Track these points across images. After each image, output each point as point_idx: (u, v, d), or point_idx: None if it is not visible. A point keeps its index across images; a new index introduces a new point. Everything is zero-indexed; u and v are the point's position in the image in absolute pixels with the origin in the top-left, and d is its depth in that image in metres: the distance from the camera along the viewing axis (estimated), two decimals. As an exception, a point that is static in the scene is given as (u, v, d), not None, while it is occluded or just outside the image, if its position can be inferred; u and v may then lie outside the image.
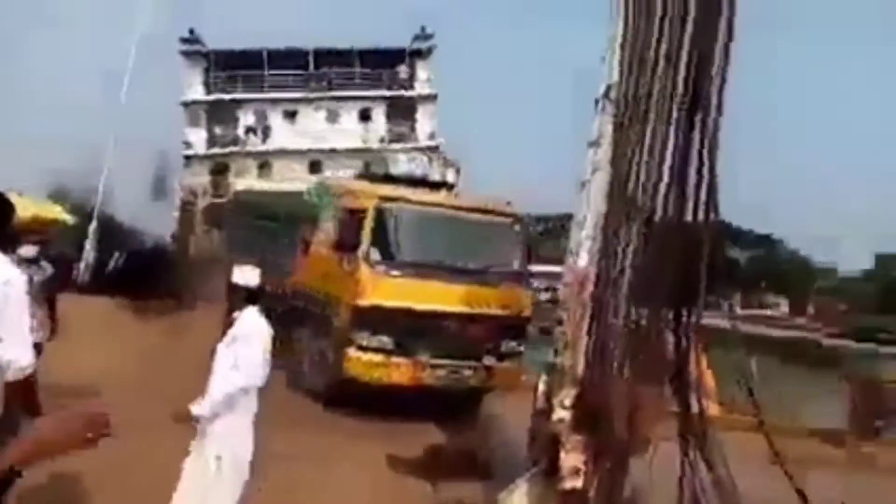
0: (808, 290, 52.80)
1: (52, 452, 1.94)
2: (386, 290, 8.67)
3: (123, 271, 13.41)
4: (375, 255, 8.81)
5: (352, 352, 8.66)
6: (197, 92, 34.73)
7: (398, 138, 35.42)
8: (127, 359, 7.86)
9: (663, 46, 3.68)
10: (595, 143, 4.05)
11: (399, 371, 8.63)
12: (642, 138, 3.72)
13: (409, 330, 8.61)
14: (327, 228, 9.98)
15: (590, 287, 3.88)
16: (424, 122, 36.10)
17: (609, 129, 3.92)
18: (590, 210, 3.98)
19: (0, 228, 3.39)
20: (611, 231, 3.74)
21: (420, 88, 36.17)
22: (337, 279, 9.19)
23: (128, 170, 23.46)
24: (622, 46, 3.76)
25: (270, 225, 12.71)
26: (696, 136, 3.66)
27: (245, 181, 32.85)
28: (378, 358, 8.63)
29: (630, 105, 3.74)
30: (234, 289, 5.03)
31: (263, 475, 4.54)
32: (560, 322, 4.17)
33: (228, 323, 4.98)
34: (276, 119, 34.79)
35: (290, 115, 34.88)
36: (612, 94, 3.89)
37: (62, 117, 33.99)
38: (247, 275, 5.10)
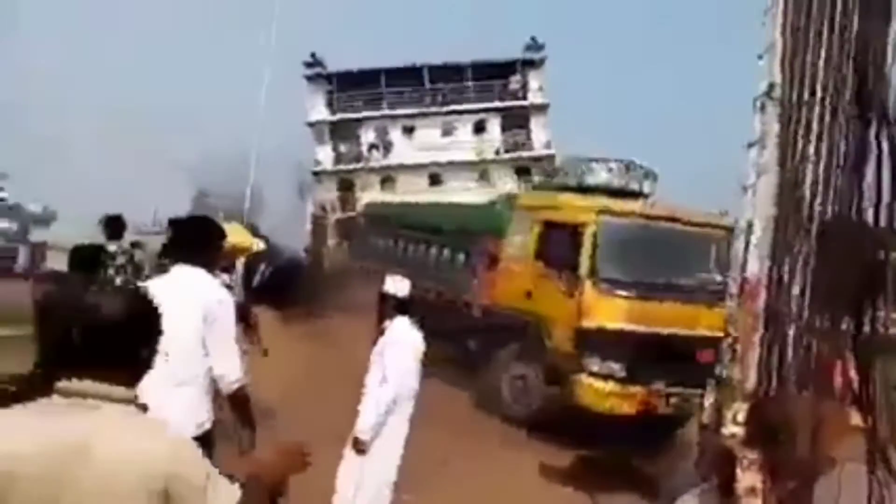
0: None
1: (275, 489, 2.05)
2: (613, 311, 8.08)
3: (268, 284, 14.21)
4: (601, 272, 8.16)
5: (584, 378, 8.06)
6: (321, 112, 36.37)
7: (514, 148, 35.56)
8: (289, 369, 8.23)
9: (828, 42, 3.46)
10: (757, 144, 3.86)
11: (633, 400, 8.00)
12: (812, 139, 3.51)
13: (639, 354, 7.98)
14: (521, 243, 9.49)
15: (761, 296, 3.69)
16: (539, 131, 36.05)
17: (773, 129, 3.73)
18: (756, 215, 3.79)
19: (213, 251, 3.75)
20: (782, 237, 3.54)
21: (533, 98, 36.15)
22: (548, 298, 8.60)
23: (264, 187, 24.96)
24: (784, 43, 3.56)
25: (430, 237, 12.53)
26: (871, 135, 3.41)
27: (369, 195, 34.18)
28: (611, 386, 8.00)
29: (796, 104, 3.54)
30: (384, 298, 5.17)
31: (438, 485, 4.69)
32: (727, 334, 3.99)
33: (379, 332, 5.15)
34: (395, 135, 35.85)
35: (409, 131, 35.82)
36: (775, 93, 3.70)
37: (202, 139, 36.61)
38: (398, 285, 5.25)
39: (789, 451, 3.69)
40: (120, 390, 1.84)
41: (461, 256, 11.40)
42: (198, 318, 3.52)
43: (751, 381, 4.01)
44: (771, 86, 4.08)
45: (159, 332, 1.98)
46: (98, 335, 1.85)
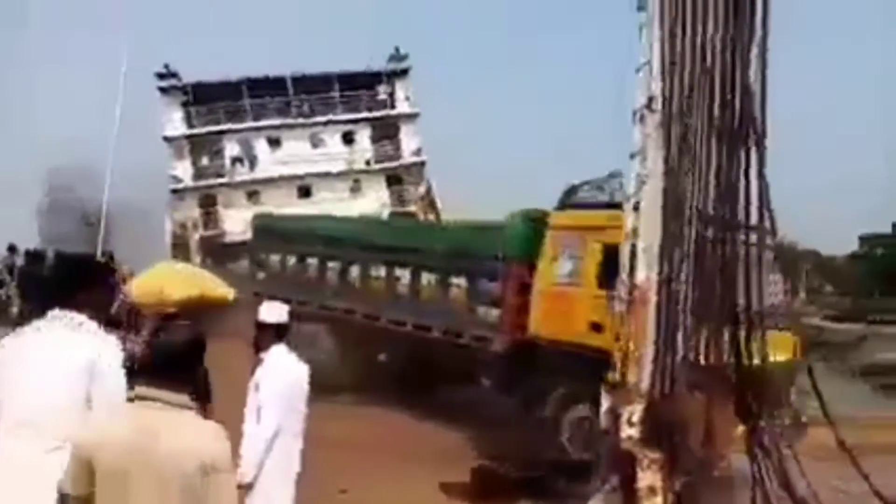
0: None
1: None
2: None
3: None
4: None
5: None
6: (178, 126, 34.61)
7: (384, 158, 35.54)
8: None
9: (703, 55, 3.68)
10: (638, 155, 4.04)
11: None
12: (690, 149, 3.71)
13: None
14: (573, 268, 8.42)
15: (651, 300, 3.84)
16: (408, 139, 36.26)
17: (652, 140, 3.92)
18: (641, 223, 3.96)
19: (102, 294, 3.29)
20: (669, 243, 3.71)
21: (401, 107, 36.37)
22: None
23: (118, 206, 23.18)
24: (662, 59, 3.75)
25: (394, 258, 11.30)
26: (742, 145, 3.65)
27: (234, 211, 32.81)
28: None
29: (676, 116, 3.73)
30: (261, 327, 4.88)
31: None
32: (618, 337, 4.13)
33: (257, 363, 4.86)
34: (261, 147, 34.75)
35: (275, 143, 34.85)
36: (655, 106, 3.89)
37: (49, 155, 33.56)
38: (274, 311, 4.97)
39: (684, 449, 3.86)
40: (174, 396, 2.56)
41: (458, 282, 10.25)
42: (81, 378, 3.13)
43: (645, 383, 4.17)
44: (650, 99, 4.30)
45: (202, 356, 2.74)
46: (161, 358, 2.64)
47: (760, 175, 3.59)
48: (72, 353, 3.16)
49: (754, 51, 3.62)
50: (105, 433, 2.56)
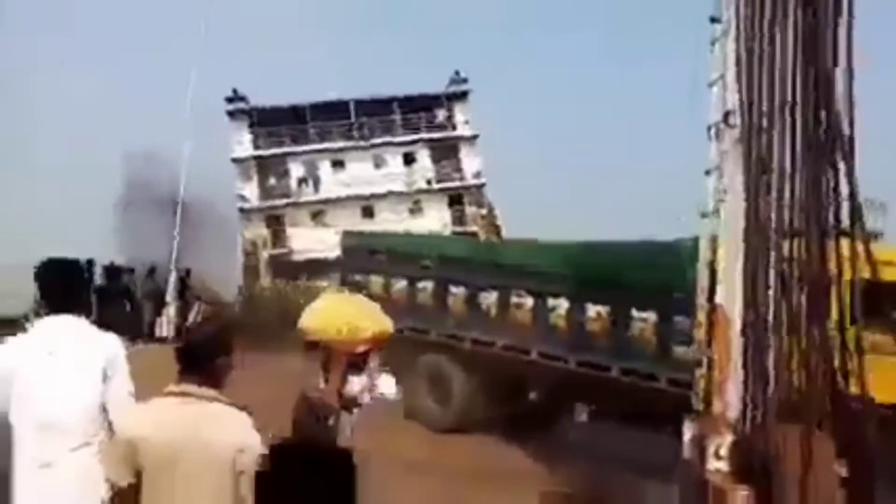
0: None
1: None
2: None
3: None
4: None
5: None
6: (245, 148, 35.71)
7: (445, 178, 35.81)
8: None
9: (781, 67, 3.50)
10: (714, 171, 3.87)
11: None
12: (772, 163, 3.52)
13: None
14: None
15: (735, 322, 3.64)
16: (469, 161, 36.47)
17: (730, 157, 3.74)
18: (722, 241, 3.78)
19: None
20: (752, 264, 3.51)
21: (461, 129, 36.67)
22: None
23: (190, 226, 23.98)
24: (739, 73, 3.58)
25: (549, 289, 9.96)
26: (829, 164, 3.43)
27: (299, 230, 33.51)
28: None
29: (756, 130, 3.55)
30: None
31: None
32: (699, 364, 3.94)
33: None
34: (325, 169, 35.55)
35: (339, 164, 35.62)
36: (732, 120, 3.71)
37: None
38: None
39: (778, 484, 3.63)
40: (208, 391, 2.94)
41: (643, 316, 8.95)
42: (97, 375, 3.30)
43: (732, 412, 3.95)
44: (727, 114, 4.13)
45: (230, 350, 3.07)
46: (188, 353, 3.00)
47: (852, 195, 3.36)
48: (92, 352, 3.33)
49: (838, 65, 3.40)
50: (151, 427, 2.84)
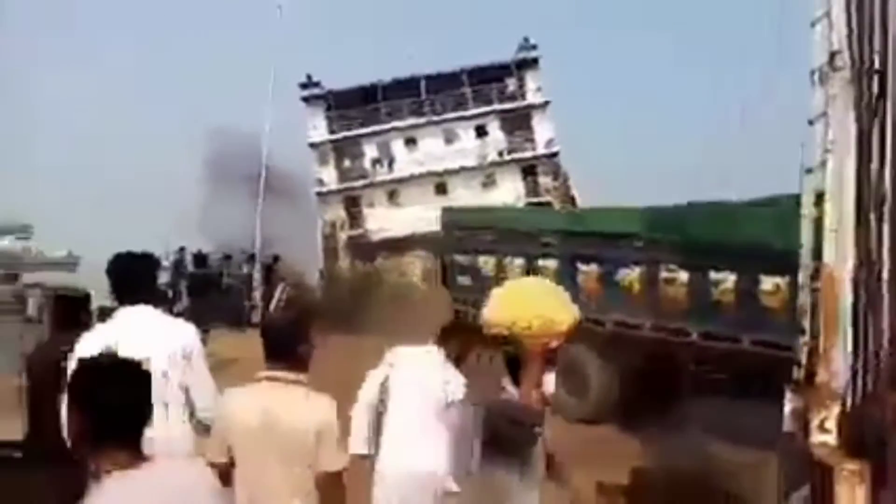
0: None
1: None
2: None
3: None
4: None
5: None
6: (322, 132, 36.23)
7: (517, 149, 35.31)
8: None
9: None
10: (820, 120, 3.51)
11: None
12: (885, 110, 3.16)
13: None
14: None
15: (846, 288, 3.33)
16: (541, 130, 35.81)
17: (839, 103, 3.39)
18: (829, 196, 3.44)
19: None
20: (865, 221, 3.18)
21: (531, 98, 35.94)
22: None
23: (272, 210, 24.62)
24: (848, 12, 3.22)
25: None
26: None
27: (376, 210, 33.89)
28: None
29: (866, 74, 3.19)
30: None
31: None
32: (802, 331, 3.64)
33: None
34: (398, 148, 35.71)
35: (411, 142, 35.68)
36: (838, 63, 3.35)
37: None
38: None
39: (894, 459, 3.34)
40: (293, 375, 3.21)
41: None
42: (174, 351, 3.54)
43: (840, 381, 3.65)
44: (832, 55, 3.74)
45: (309, 335, 3.32)
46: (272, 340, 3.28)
47: None
48: (167, 337, 3.54)
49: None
50: (243, 409, 3.17)
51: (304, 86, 36.68)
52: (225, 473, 3.02)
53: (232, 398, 3.27)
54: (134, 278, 3.64)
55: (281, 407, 3.10)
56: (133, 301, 3.56)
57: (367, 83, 35.82)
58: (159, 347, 3.35)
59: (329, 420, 3.13)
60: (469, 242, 12.16)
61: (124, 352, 2.24)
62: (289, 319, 3.40)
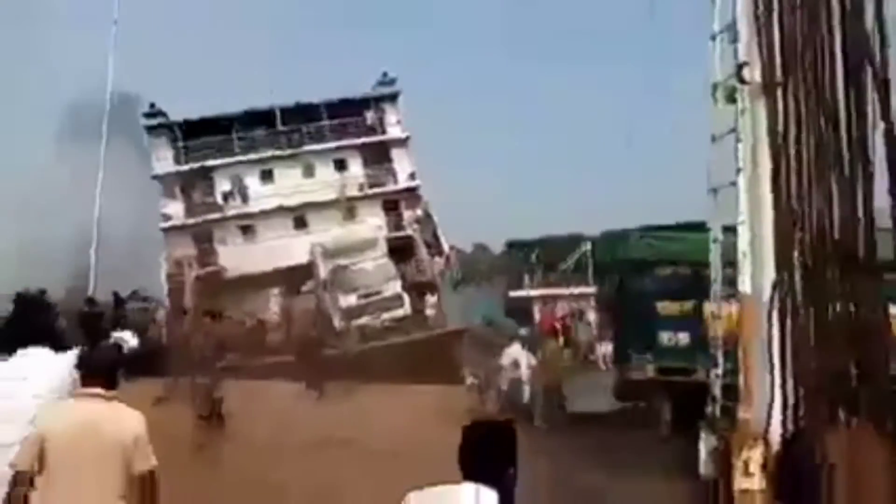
0: None
1: None
2: None
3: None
4: None
5: None
6: (167, 164, 33.99)
7: (378, 183, 34.97)
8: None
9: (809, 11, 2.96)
10: (725, 136, 3.30)
11: None
12: (800, 128, 2.97)
13: None
14: None
15: (763, 320, 3.08)
16: (401, 164, 35.76)
17: (748, 117, 3.18)
18: (744, 220, 3.21)
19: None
20: (785, 250, 2.94)
21: (391, 132, 35.91)
22: None
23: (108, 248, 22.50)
24: (756, 16, 3.03)
25: None
26: (869, 124, 2.91)
27: (229, 247, 32.14)
28: None
29: (778, 88, 2.99)
30: None
31: None
32: (714, 363, 3.37)
33: None
34: (252, 181, 34.18)
35: (267, 175, 34.30)
36: (748, 75, 3.15)
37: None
38: None
39: (822, 500, 3.10)
40: (111, 392, 3.86)
41: None
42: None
43: (763, 420, 3.35)
44: (740, 66, 3.53)
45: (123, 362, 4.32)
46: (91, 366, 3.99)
47: (892, 158, 2.82)
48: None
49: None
50: (58, 421, 3.74)
51: (147, 115, 34.34)
52: (30, 480, 3.54)
53: (48, 412, 3.99)
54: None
55: (101, 417, 3.74)
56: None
57: (219, 114, 34.13)
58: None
59: (142, 429, 3.82)
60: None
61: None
62: (107, 350, 4.58)
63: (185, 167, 33.91)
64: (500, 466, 2.70)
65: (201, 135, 33.97)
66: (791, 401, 2.98)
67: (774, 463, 3.02)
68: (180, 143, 34.20)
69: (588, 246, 45.11)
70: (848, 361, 2.91)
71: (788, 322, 2.99)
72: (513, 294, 41.17)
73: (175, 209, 33.59)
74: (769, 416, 3.07)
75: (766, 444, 3.09)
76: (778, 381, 3.03)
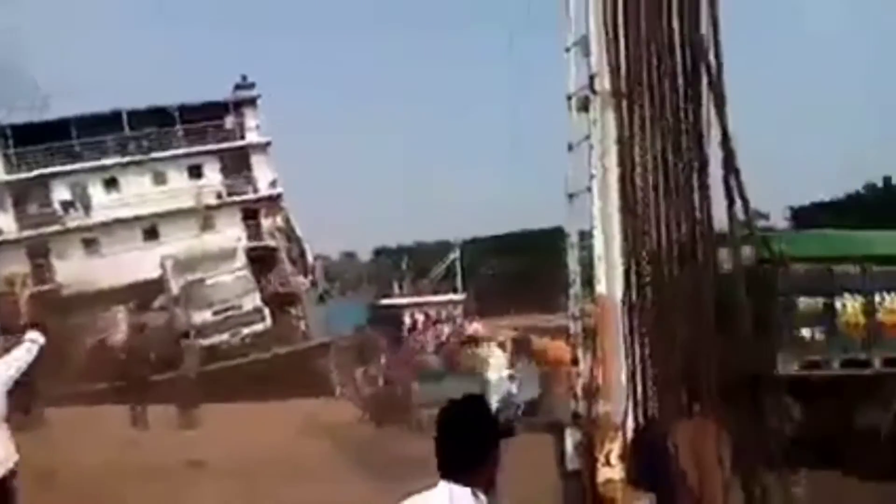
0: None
1: None
2: None
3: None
4: None
5: None
6: (-5, 171, 30.80)
7: (237, 191, 33.62)
8: None
9: (654, 24, 3.16)
10: (580, 144, 3.45)
11: None
12: (646, 134, 3.16)
13: None
14: None
15: (616, 316, 3.24)
16: (262, 171, 34.57)
17: (602, 127, 3.34)
18: (598, 224, 3.36)
19: None
20: (634, 251, 3.11)
21: (251, 137, 34.66)
22: None
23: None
24: (605, 29, 3.19)
25: None
26: (704, 130, 3.14)
27: (69, 262, 29.61)
28: None
29: (626, 96, 3.17)
30: None
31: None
32: (575, 361, 3.51)
33: None
34: (96, 189, 31.64)
35: (112, 183, 31.89)
36: (599, 85, 3.32)
37: None
38: None
39: (677, 485, 3.30)
40: None
41: None
42: None
43: (620, 413, 3.54)
44: (592, 78, 3.72)
45: None
46: None
47: (727, 164, 3.07)
48: None
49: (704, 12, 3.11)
50: None
51: (-29, 118, 30.98)
52: None
53: None
54: None
55: None
56: None
57: (56, 117, 31.38)
58: None
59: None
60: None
61: None
62: None
63: (16, 176, 30.88)
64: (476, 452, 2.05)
65: (37, 140, 31.04)
66: (644, 393, 3.16)
67: (629, 451, 3.18)
68: (11, 150, 31.10)
69: (457, 253, 46.19)
70: (693, 356, 3.12)
71: (637, 319, 3.16)
72: (384, 302, 41.08)
73: (6, 222, 30.49)
74: (626, 409, 3.23)
75: (625, 435, 3.25)
76: (632, 375, 3.19)
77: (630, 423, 3.19)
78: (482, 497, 2.08)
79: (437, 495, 2.09)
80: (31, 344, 5.21)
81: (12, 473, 4.97)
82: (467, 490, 2.07)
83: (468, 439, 2.11)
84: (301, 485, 8.87)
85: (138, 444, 12.28)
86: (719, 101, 2.93)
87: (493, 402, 9.82)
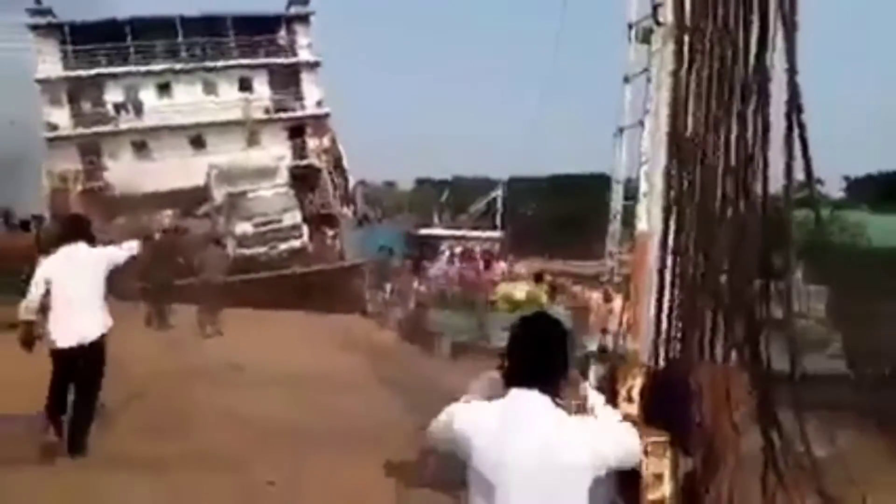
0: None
1: None
2: None
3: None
4: None
5: None
6: (54, 68, 31.22)
7: (285, 108, 33.63)
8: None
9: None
10: (637, 77, 3.34)
11: None
12: (704, 75, 3.04)
13: None
14: None
15: (653, 256, 3.21)
16: (310, 89, 34.40)
17: (659, 60, 3.23)
18: (642, 162, 3.29)
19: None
20: (677, 189, 3.06)
21: (302, 55, 34.37)
22: None
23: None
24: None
25: None
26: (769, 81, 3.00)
27: (118, 164, 30.24)
28: None
29: (689, 32, 3.05)
30: None
31: None
32: (608, 298, 3.50)
33: None
34: (148, 94, 31.96)
35: (164, 88, 32.14)
36: (662, 16, 3.19)
37: None
38: None
39: (691, 425, 3.33)
40: None
41: None
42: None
43: (647, 352, 3.55)
44: (656, 7, 3.57)
45: None
46: None
47: (791, 101, 2.90)
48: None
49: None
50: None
51: (32, 12, 31.25)
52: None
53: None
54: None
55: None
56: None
57: (113, 17, 31.48)
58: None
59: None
60: None
61: None
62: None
63: (73, 73, 31.31)
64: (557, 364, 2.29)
65: (92, 40, 31.30)
66: (669, 333, 3.15)
67: (649, 389, 3.21)
68: (69, 47, 31.44)
69: (500, 190, 45.85)
70: (725, 297, 3.09)
71: (672, 257, 3.13)
72: (422, 232, 41.28)
73: (61, 118, 31.13)
74: (654, 346, 3.24)
75: (649, 373, 3.27)
76: (658, 313, 3.19)
77: (656, 362, 3.20)
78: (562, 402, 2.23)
79: (527, 396, 2.20)
80: (131, 249, 6.56)
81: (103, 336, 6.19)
82: (548, 398, 2.20)
83: (552, 352, 2.25)
84: (344, 395, 9.12)
85: (177, 345, 12.74)
86: (790, 30, 2.78)
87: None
